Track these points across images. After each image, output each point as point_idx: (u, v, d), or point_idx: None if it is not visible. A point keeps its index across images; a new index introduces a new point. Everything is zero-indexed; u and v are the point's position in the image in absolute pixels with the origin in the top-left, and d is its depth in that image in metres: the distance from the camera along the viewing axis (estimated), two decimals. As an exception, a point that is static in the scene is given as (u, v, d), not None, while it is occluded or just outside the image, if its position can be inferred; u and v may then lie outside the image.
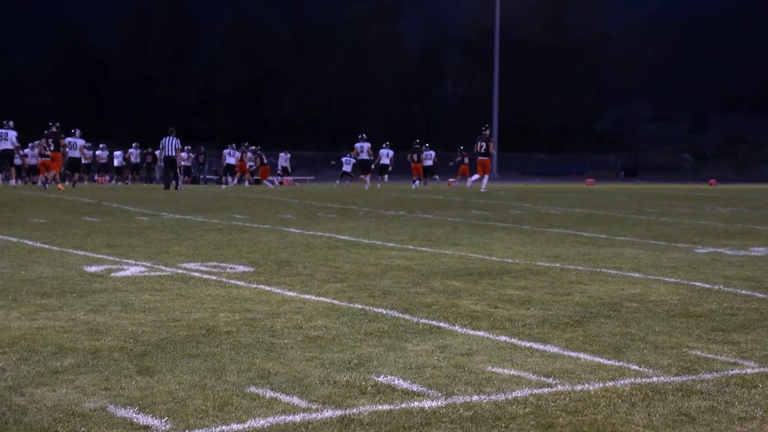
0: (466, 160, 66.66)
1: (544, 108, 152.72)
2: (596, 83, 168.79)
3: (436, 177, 70.06)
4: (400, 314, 11.73)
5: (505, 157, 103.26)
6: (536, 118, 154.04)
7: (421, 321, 11.32)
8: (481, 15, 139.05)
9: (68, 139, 51.34)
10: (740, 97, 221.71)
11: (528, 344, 9.99)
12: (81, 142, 53.67)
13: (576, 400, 7.63)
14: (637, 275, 15.74)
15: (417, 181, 60.80)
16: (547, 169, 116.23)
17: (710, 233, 24.35)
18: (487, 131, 50.59)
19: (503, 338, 10.33)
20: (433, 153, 67.77)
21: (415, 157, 62.84)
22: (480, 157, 49.43)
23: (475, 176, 49.69)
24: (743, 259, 18.47)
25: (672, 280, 15.19)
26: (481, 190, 46.11)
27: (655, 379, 8.53)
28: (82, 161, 59.70)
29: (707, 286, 14.53)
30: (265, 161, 71.14)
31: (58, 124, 48.12)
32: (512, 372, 8.68)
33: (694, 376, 8.68)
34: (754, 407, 7.67)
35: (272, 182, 66.17)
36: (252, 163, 68.70)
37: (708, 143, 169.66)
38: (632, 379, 8.45)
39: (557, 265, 17.03)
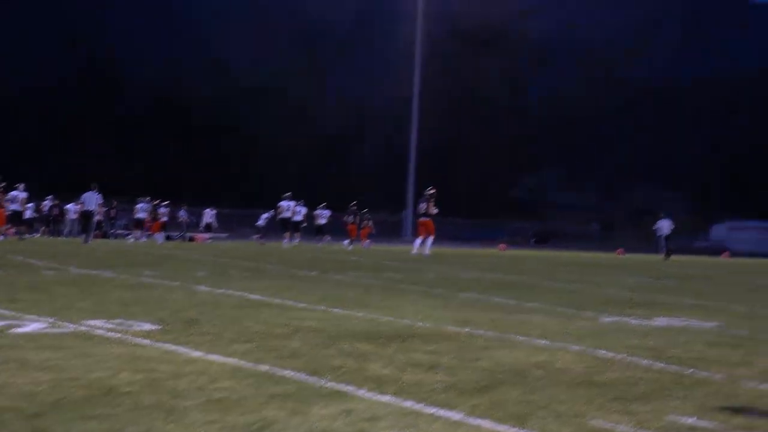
0: (351, 219, 67.80)
1: (462, 173, 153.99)
2: (511, 150, 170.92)
3: (328, 237, 70.15)
4: (307, 377, 11.59)
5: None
6: (454, 182, 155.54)
7: (327, 384, 11.17)
8: (403, 78, 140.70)
9: (11, 193, 51.20)
10: (647, 168, 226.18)
11: (433, 410, 9.93)
12: (23, 195, 53.34)
13: (475, 468, 7.62)
14: (544, 342, 15.81)
15: (349, 242, 60.88)
16: (462, 234, 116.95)
17: (616, 302, 24.61)
18: (430, 191, 50.41)
19: (409, 403, 10.26)
20: (327, 212, 67.88)
21: (350, 218, 62.91)
22: (420, 218, 49.38)
23: (419, 240, 49.51)
24: (647, 328, 18.68)
25: (577, 348, 15.29)
26: (424, 253, 45.96)
27: (562, 448, 8.56)
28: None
29: (611, 354, 14.65)
30: (160, 216, 71.10)
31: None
32: (415, 439, 8.64)
33: (595, 447, 8.73)
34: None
35: (168, 236, 66.23)
36: (165, 218, 68.59)
37: (616, 213, 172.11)
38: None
39: (467, 329, 17.04)
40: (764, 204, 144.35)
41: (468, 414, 9.83)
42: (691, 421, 10.11)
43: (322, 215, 67.68)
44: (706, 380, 12.77)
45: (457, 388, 11.26)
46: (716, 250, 79.22)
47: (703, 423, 10.03)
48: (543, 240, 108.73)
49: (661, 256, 54.37)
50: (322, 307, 20.25)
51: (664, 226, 57.62)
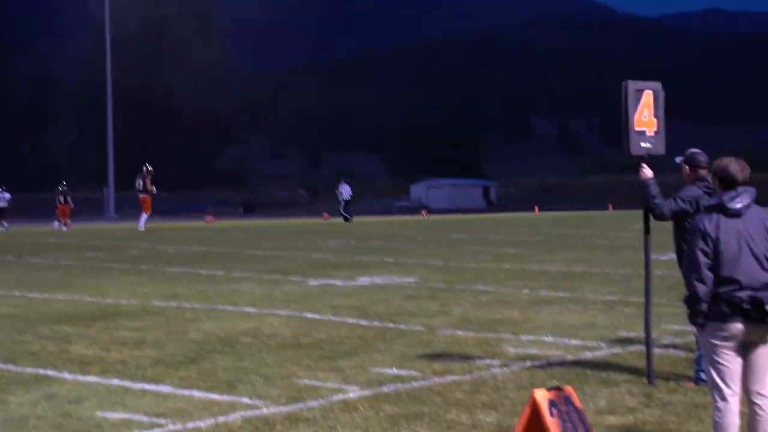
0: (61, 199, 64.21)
1: (164, 145, 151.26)
2: (214, 121, 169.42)
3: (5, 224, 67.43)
4: (3, 365, 11.29)
5: (124, 197, 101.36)
6: (158, 155, 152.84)
7: (26, 370, 10.90)
8: (95, 58, 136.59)
9: None
10: (349, 135, 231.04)
11: (140, 386, 9.89)
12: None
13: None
14: (252, 310, 15.94)
15: (57, 223, 58.50)
16: (167, 208, 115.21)
17: (321, 265, 25.02)
18: (147, 168, 48.95)
19: (115, 381, 10.15)
20: (7, 195, 65.48)
21: (61, 198, 60.35)
22: (139, 195, 48.12)
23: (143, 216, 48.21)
24: (351, 288, 19.13)
25: (285, 312, 15.51)
26: (139, 228, 44.77)
27: (265, 410, 8.71)
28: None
29: (317, 316, 14.95)
30: None
31: None
32: (123, 415, 8.58)
33: (301, 405, 8.93)
34: (354, 429, 8.00)
35: None
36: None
37: (321, 179, 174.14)
38: (243, 413, 8.59)
39: (174, 304, 16.95)
40: (455, 163, 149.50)
41: (177, 386, 9.85)
42: (393, 371, 10.50)
43: (2, 198, 64.90)
44: (406, 332, 13.24)
45: (166, 362, 11.22)
46: (415, 209, 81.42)
47: (404, 372, 10.46)
48: (250, 209, 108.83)
49: (348, 218, 55.33)
50: (18, 293, 19.54)
51: (345, 190, 58.37)
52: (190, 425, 8.21)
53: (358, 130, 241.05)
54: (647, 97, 10.17)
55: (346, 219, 53.42)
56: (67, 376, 10.57)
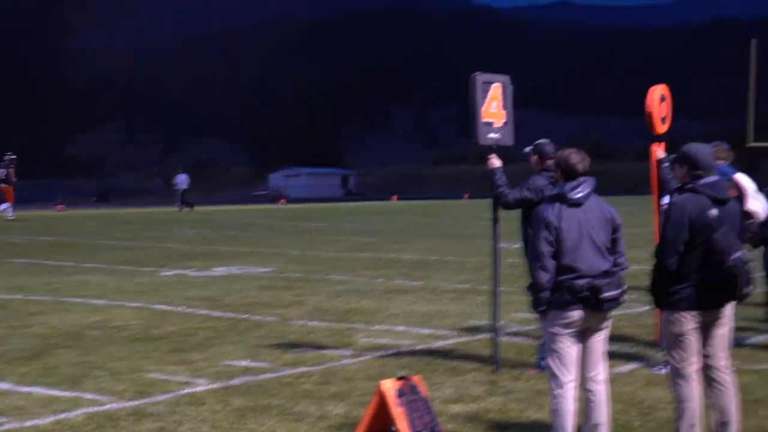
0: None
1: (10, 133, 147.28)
2: (66, 108, 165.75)
3: None
4: None
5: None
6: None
7: None
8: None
9: None
10: (207, 123, 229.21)
11: None
12: None
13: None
14: (101, 302, 15.69)
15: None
16: (17, 197, 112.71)
17: (176, 255, 24.79)
18: (11, 157, 47.38)
19: None
20: None
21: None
22: (2, 185, 46.77)
23: (5, 205, 46.82)
24: (205, 279, 19.03)
25: (136, 304, 15.32)
26: (8, 217, 43.46)
27: (109, 406, 8.58)
28: None
29: (169, 308, 14.82)
30: None
31: None
32: (-42, 414, 8.37)
33: (147, 399, 8.83)
34: (201, 423, 7.96)
35: None
36: None
37: (178, 168, 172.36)
38: (86, 409, 8.45)
39: (18, 296, 16.56)
40: (314, 152, 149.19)
41: (18, 383, 9.60)
42: (244, 363, 10.49)
43: None
44: (259, 323, 13.22)
45: (6, 358, 10.96)
46: (274, 198, 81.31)
47: (254, 364, 10.45)
48: (104, 198, 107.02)
49: (182, 209, 54.26)
50: None
51: (182, 180, 57.14)
52: (28, 423, 8.03)
53: (216, 116, 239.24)
54: (495, 89, 10.37)
55: (191, 207, 52.57)
56: None
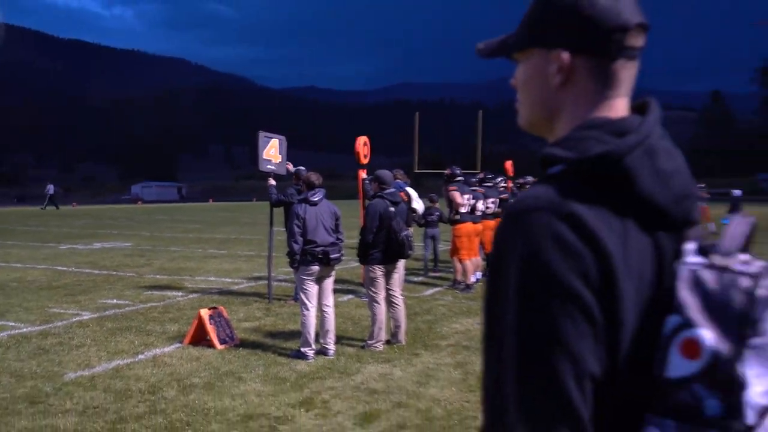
0: None
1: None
2: None
3: None
4: None
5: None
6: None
7: None
8: None
9: None
10: (94, 150, 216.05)
11: None
12: None
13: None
14: (18, 265, 14.71)
15: None
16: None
17: (69, 236, 23.31)
18: None
19: None
20: None
21: None
22: None
23: None
24: (88, 250, 18.10)
25: (42, 266, 14.48)
26: None
27: (25, 329, 8.20)
28: None
29: (65, 269, 14.10)
30: None
31: None
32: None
33: (50, 325, 8.49)
34: (85, 338, 7.74)
35: None
36: None
37: (72, 180, 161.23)
38: (9, 332, 8.05)
39: None
40: (161, 171, 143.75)
41: (-36, 315, 9.08)
42: (113, 301, 10.16)
43: None
44: (123, 277, 12.79)
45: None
46: (134, 200, 77.80)
47: (120, 302, 10.13)
48: (22, 200, 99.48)
49: (46, 207, 48.05)
50: None
51: (50, 188, 49.64)
52: (-27, 340, 7.62)
53: (97, 146, 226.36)
54: (274, 141, 10.49)
55: (56, 207, 48.57)
56: None
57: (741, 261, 1.13)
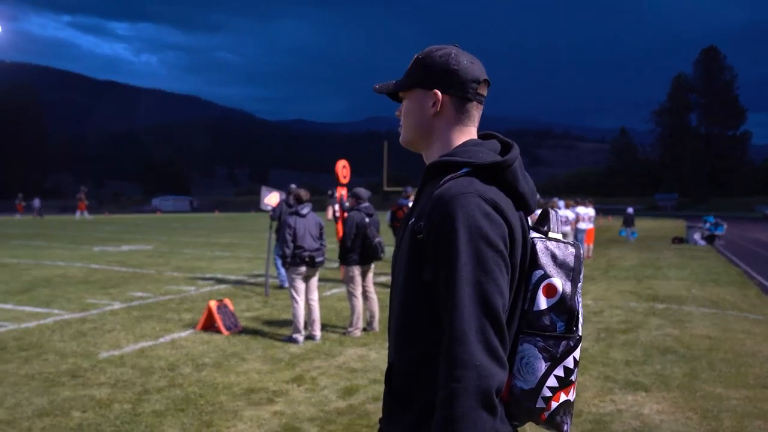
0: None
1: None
2: (38, 156, 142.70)
3: None
4: None
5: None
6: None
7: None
8: None
9: None
10: (119, 168, 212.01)
11: None
12: None
13: None
14: (61, 263, 14.40)
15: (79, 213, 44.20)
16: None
17: (101, 240, 22.98)
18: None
19: None
20: None
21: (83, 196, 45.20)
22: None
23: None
24: (117, 252, 17.77)
25: (80, 264, 14.22)
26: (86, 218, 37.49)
27: (66, 316, 8.06)
28: None
29: (97, 266, 13.86)
30: None
31: None
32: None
33: (87, 313, 8.34)
34: (116, 324, 7.60)
35: None
36: None
37: (104, 196, 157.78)
38: (54, 318, 7.91)
39: (15, 260, 14.86)
40: (177, 187, 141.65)
41: (16, 304, 8.85)
42: (138, 294, 10.01)
43: None
44: (146, 274, 12.62)
45: (10, 292, 10.00)
46: (154, 211, 76.57)
47: (144, 294, 9.98)
48: (63, 210, 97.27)
49: (36, 217, 44.05)
50: None
51: (37, 202, 44.99)
52: (23, 326, 7.47)
53: (124, 166, 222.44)
54: (274, 194, 10.43)
55: (41, 216, 44.36)
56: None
57: (563, 238, 1.52)
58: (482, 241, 1.34)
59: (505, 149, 1.56)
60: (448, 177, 1.45)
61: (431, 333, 1.39)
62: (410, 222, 1.50)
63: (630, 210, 25.89)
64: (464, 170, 1.46)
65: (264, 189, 10.48)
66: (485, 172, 1.45)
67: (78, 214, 45.33)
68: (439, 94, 1.54)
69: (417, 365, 1.40)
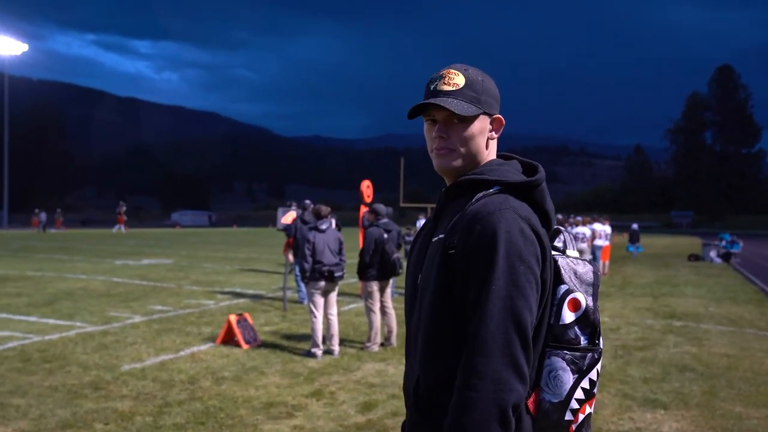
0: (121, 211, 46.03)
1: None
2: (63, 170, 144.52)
3: None
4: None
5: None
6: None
7: (-49, 310, 9.37)
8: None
9: None
10: (141, 182, 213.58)
11: (18, 317, 8.80)
12: None
13: None
14: (83, 276, 14.54)
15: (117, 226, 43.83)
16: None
17: (122, 253, 23.17)
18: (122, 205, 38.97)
19: (3, 315, 8.95)
20: None
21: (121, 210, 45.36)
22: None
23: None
24: (137, 265, 17.90)
25: (102, 278, 14.34)
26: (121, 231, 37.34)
27: (89, 329, 8.11)
28: None
29: (120, 280, 13.97)
30: None
31: None
32: (7, 333, 7.65)
33: (109, 326, 8.40)
34: (136, 337, 7.63)
35: None
36: None
37: (41, 209, 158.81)
38: (77, 330, 7.96)
39: (39, 273, 15.01)
40: (196, 202, 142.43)
41: (40, 317, 8.92)
42: (158, 307, 10.04)
43: None
44: (166, 288, 12.68)
45: (34, 304, 10.07)
46: (174, 225, 77.01)
47: (164, 308, 10.00)
48: (86, 222, 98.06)
49: (42, 230, 43.58)
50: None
51: (43, 215, 44.56)
52: (47, 338, 7.54)
53: (145, 181, 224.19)
54: (291, 212, 10.40)
55: (44, 230, 42.77)
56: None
57: (580, 256, 1.55)
58: (516, 257, 1.36)
59: (528, 169, 1.59)
60: (481, 194, 1.48)
61: (460, 348, 1.40)
62: (435, 238, 1.51)
63: (635, 226, 25.97)
64: (496, 188, 1.49)
65: (280, 210, 10.56)
66: (516, 190, 1.48)
67: (116, 228, 45.69)
68: (503, 120, 1.59)
69: (444, 380, 1.41)
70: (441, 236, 1.48)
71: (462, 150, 1.54)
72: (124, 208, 46.34)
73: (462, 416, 1.29)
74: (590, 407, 1.47)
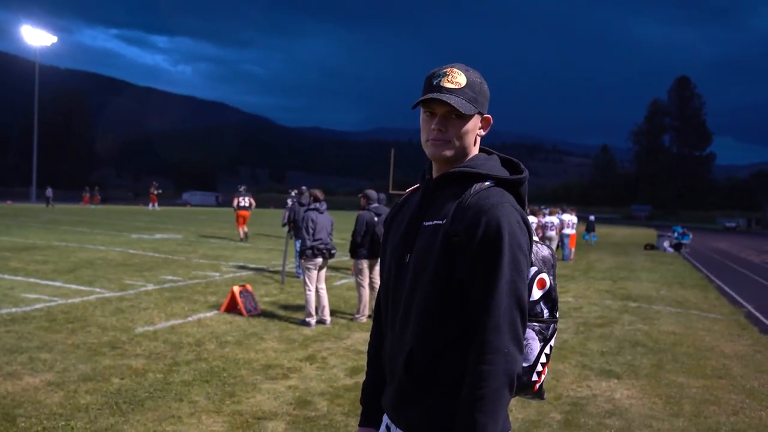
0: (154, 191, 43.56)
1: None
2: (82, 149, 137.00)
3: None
4: (-31, 271, 9.59)
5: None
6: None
7: (-19, 274, 9.30)
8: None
9: None
10: (149, 162, 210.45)
11: (45, 282, 8.76)
12: None
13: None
14: (102, 248, 14.38)
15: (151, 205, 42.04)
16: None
17: (137, 228, 22.97)
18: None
19: (32, 279, 8.87)
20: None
21: (154, 191, 43.29)
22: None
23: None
24: (151, 239, 17.71)
25: (119, 249, 14.23)
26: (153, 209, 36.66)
27: (107, 294, 8.08)
28: None
29: (134, 252, 13.86)
30: None
31: None
32: (35, 296, 7.62)
33: (125, 292, 8.36)
34: (149, 303, 7.62)
35: None
36: None
37: (47, 186, 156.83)
38: (96, 295, 7.95)
39: (64, 243, 14.85)
40: (205, 184, 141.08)
41: (64, 282, 8.88)
42: (169, 277, 10.00)
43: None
44: (177, 260, 12.59)
45: (58, 271, 10.02)
46: (185, 204, 76.32)
47: (174, 277, 9.97)
48: (104, 200, 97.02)
49: (48, 205, 40.61)
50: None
51: (50, 191, 41.80)
52: (69, 301, 7.52)
53: (160, 163, 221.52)
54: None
55: (52, 205, 40.46)
56: (5, 276, 9.24)
57: (548, 243, 1.76)
58: (516, 246, 1.43)
59: (507, 164, 1.61)
60: (477, 187, 1.50)
61: (456, 324, 1.43)
62: (428, 222, 1.51)
63: (591, 218, 26.42)
64: (489, 182, 1.52)
65: (288, 202, 10.60)
66: (506, 184, 1.53)
67: (150, 206, 45.29)
68: (491, 119, 1.63)
69: (440, 353, 1.44)
70: (437, 222, 1.48)
71: (456, 143, 1.55)
72: (158, 189, 45.84)
73: (480, 388, 1.35)
74: (547, 369, 1.57)
